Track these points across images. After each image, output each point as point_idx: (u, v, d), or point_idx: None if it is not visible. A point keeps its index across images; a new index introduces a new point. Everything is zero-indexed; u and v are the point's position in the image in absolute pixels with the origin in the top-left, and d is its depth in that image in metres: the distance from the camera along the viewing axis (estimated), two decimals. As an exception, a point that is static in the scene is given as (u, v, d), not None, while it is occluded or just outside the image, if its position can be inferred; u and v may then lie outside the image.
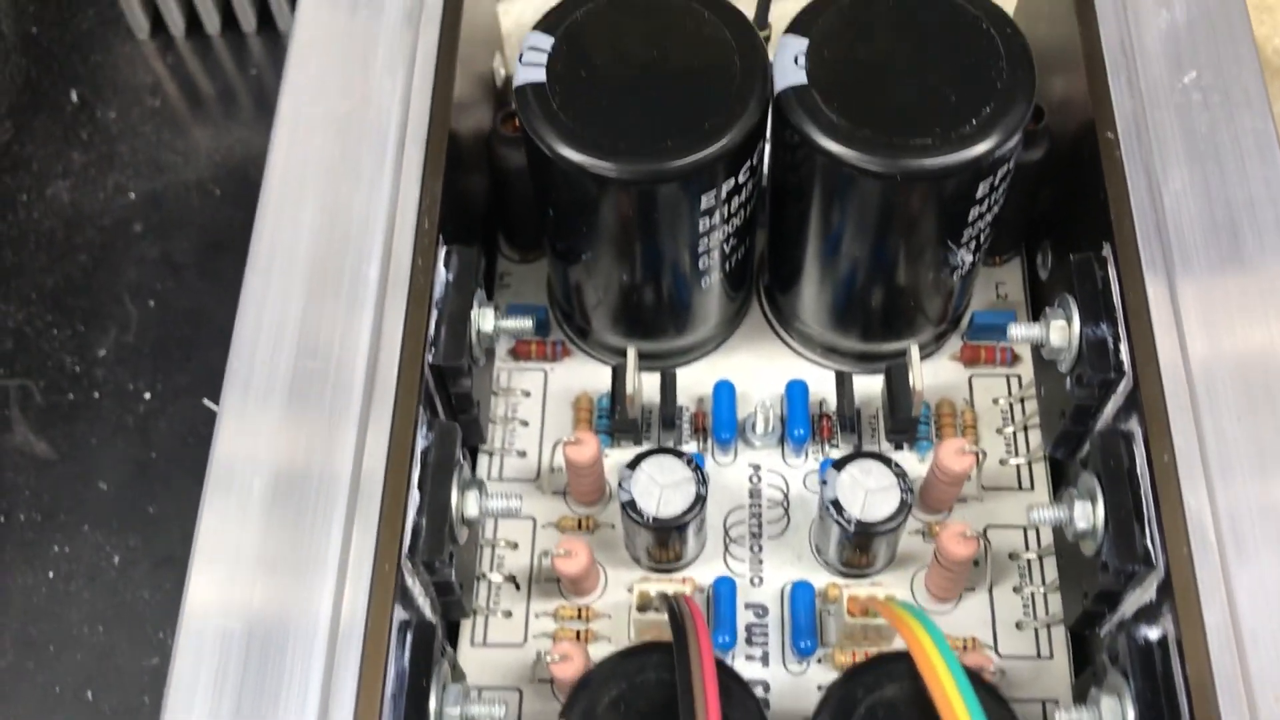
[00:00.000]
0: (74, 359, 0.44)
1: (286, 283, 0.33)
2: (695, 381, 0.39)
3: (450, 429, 0.32)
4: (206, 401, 0.42)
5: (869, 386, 0.38)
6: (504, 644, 0.35)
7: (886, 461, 0.33)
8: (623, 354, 0.38)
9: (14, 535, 0.41)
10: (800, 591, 0.35)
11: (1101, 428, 0.32)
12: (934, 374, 0.39)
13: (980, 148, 0.30)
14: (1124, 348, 0.31)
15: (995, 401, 0.38)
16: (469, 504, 0.31)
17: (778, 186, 0.35)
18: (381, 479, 0.30)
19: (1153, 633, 0.28)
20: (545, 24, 0.32)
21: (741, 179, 0.32)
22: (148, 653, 0.38)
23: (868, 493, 0.33)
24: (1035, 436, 0.38)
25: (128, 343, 0.44)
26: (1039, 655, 0.35)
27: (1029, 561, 0.36)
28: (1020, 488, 0.37)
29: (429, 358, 0.32)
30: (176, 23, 0.50)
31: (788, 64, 0.31)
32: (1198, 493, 0.29)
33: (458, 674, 0.32)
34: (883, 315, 0.36)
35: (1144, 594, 0.30)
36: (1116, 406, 0.32)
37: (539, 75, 0.31)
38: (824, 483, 0.33)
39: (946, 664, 0.27)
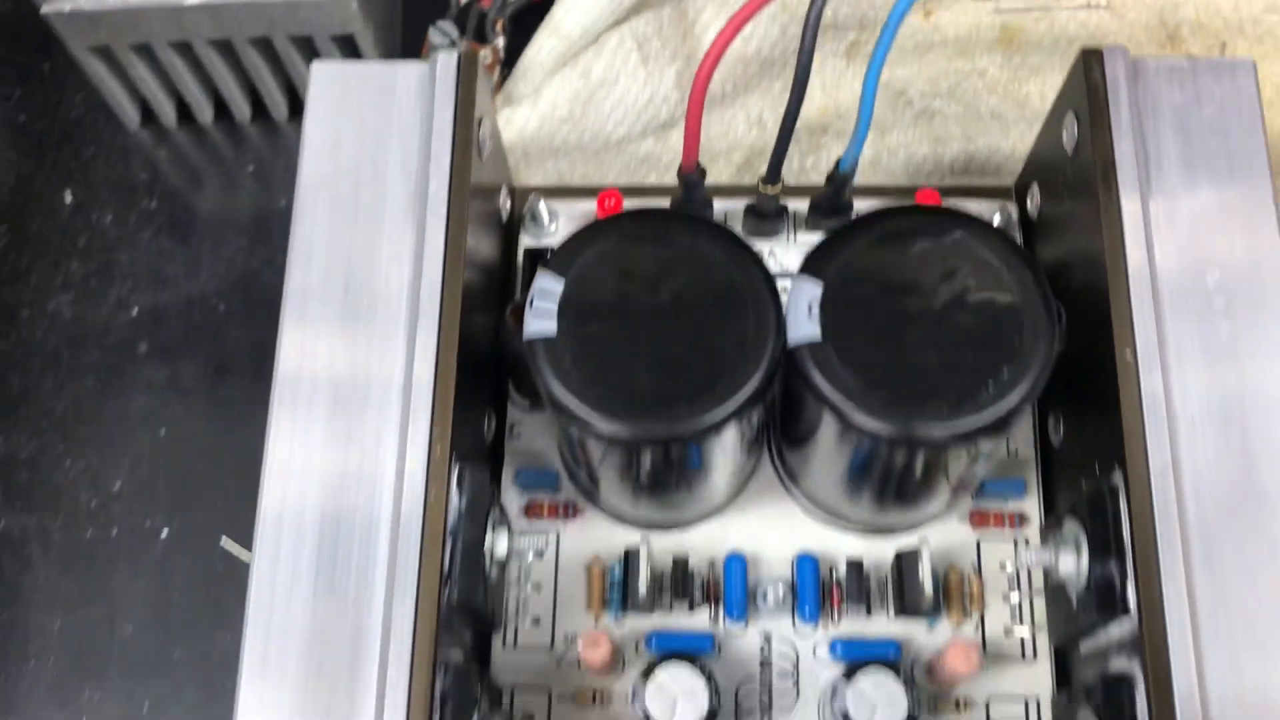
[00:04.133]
0: (89, 494, 0.44)
1: (299, 522, 0.33)
2: (707, 542, 0.39)
3: (465, 674, 0.32)
4: (224, 542, 0.43)
5: (880, 550, 0.39)
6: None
7: (896, 669, 0.34)
8: (633, 521, 0.39)
9: (45, 677, 0.42)
10: (810, 777, 0.36)
11: (1103, 671, 0.33)
12: (942, 536, 0.39)
13: (996, 413, 0.30)
14: (1130, 590, 0.32)
15: (1003, 566, 0.39)
16: (489, 741, 0.33)
17: (789, 396, 0.35)
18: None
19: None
20: (556, 263, 0.32)
21: (754, 419, 0.32)
22: (183, 805, 0.40)
23: (877, 705, 0.34)
24: (1040, 605, 0.38)
25: (142, 475, 0.44)
26: (1024, 657, 0.37)
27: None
28: (1023, 658, 0.38)
29: (444, 592, 0.33)
30: (167, 114, 0.48)
31: (802, 313, 0.31)
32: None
33: None
34: (893, 507, 0.37)
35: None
36: (1119, 637, 0.33)
37: (549, 328, 0.31)
38: (834, 691, 0.34)
39: None
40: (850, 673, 0.35)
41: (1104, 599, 0.32)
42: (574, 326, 0.31)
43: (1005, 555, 0.39)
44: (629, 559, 0.37)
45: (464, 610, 0.33)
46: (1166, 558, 0.31)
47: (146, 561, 0.43)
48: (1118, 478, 0.33)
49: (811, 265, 0.31)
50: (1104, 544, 0.32)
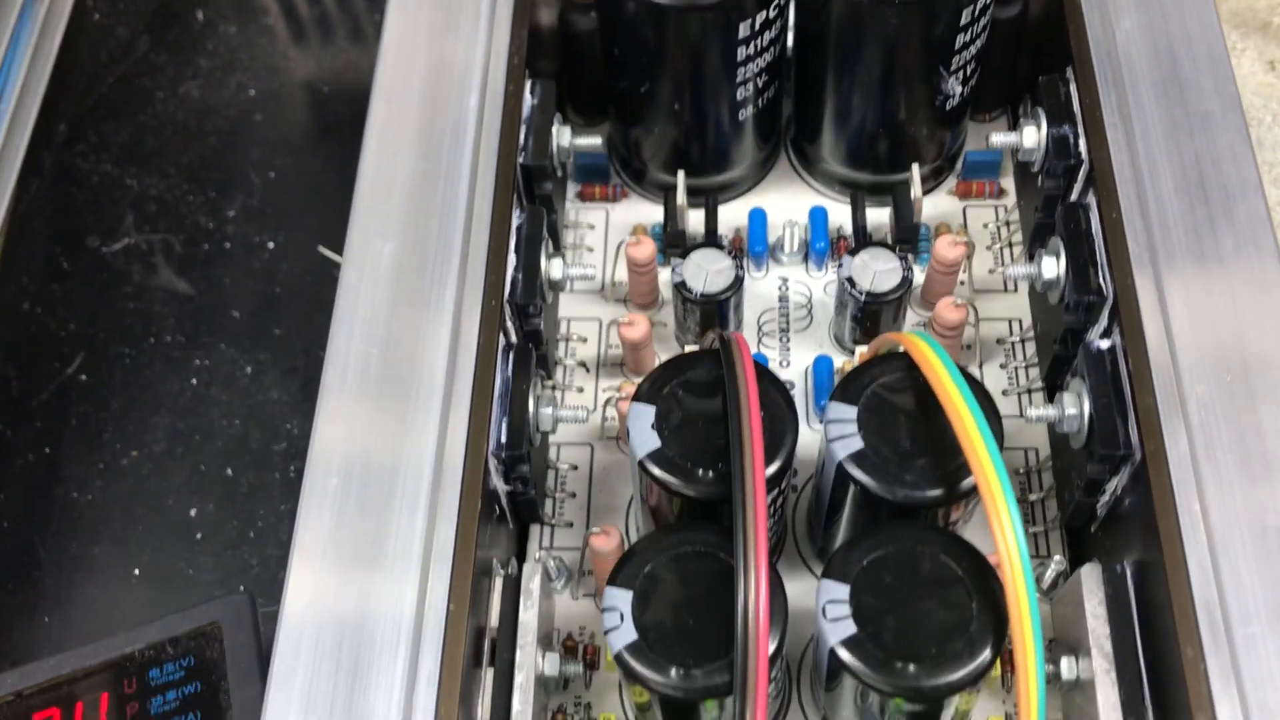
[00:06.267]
0: (207, 218, 0.52)
1: (404, 109, 0.40)
2: (733, 215, 0.46)
3: (538, 211, 0.39)
4: (322, 249, 0.50)
5: (878, 216, 0.46)
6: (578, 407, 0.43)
7: (892, 248, 0.41)
8: (673, 190, 0.46)
9: (162, 352, 0.49)
10: (821, 363, 0.42)
11: (1066, 204, 0.39)
12: (933, 205, 0.46)
13: (958, -28, 0.38)
14: (1082, 141, 0.39)
15: (985, 226, 0.46)
16: (553, 269, 0.39)
17: (801, 37, 0.43)
18: (486, 244, 0.38)
19: (1104, 344, 0.36)
20: (612, -106, 0.40)
21: (771, 15, 0.40)
22: (277, 439, 0.46)
23: (876, 273, 0.41)
24: (1018, 251, 0.45)
25: (253, 205, 0.52)
26: (1021, 416, 0.42)
27: (1013, 344, 0.43)
28: (1005, 290, 0.44)
29: (520, 159, 0.40)
30: (286, -45, 0.59)
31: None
32: (1138, 238, 0.36)
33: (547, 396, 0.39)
34: (890, 143, 0.44)
35: (1099, 326, 0.37)
36: (1079, 189, 0.39)
37: (608, -68, 0.40)
38: (840, 265, 0.41)
39: (942, 362, 0.34)
40: (854, 252, 0.41)
41: (1059, 151, 0.39)
42: (627, -68, 0.40)
43: (987, 218, 0.46)
44: (667, 198, 0.44)
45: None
46: (1109, 118, 0.38)
47: (254, 267, 0.50)
48: (1070, 72, 0.40)
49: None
50: (1059, 117, 0.40)
